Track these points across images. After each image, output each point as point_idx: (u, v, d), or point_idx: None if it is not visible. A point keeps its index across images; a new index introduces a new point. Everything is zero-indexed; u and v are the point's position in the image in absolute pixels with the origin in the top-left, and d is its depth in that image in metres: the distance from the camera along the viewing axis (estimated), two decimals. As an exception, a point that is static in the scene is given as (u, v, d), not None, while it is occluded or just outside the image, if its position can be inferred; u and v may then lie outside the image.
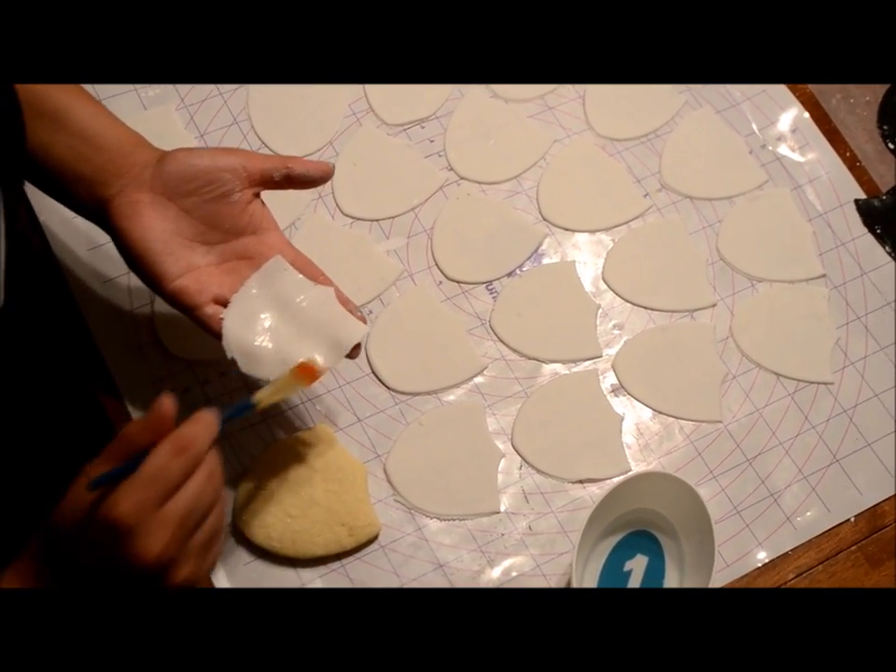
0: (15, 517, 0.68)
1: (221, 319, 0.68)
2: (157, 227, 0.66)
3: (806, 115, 0.93)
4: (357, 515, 0.75)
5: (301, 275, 0.70)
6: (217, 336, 0.68)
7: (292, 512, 0.74)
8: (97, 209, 0.68)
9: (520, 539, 0.77)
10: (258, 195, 0.70)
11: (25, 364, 0.68)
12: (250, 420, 0.77)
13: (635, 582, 0.76)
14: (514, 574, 0.76)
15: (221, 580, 0.73)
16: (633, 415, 0.81)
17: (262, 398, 0.65)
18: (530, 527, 0.77)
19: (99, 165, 0.67)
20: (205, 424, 0.58)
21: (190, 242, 0.68)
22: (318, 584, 0.74)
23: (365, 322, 0.71)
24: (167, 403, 0.57)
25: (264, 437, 0.77)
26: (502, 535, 0.77)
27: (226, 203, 0.68)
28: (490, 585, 0.75)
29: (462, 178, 0.88)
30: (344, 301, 0.71)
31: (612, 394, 0.82)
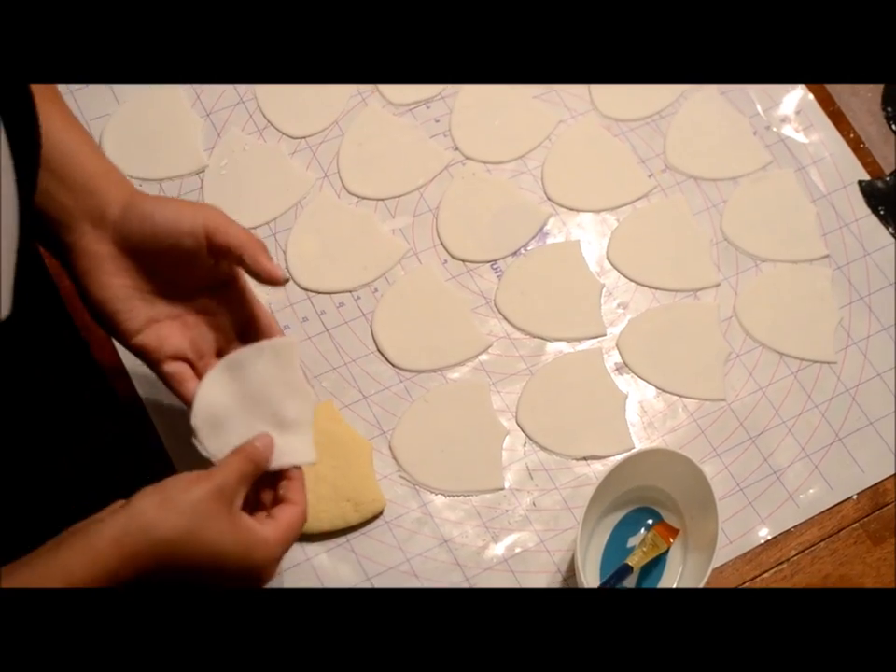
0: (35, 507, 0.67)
1: (180, 380, 0.65)
2: (115, 284, 0.63)
3: (811, 97, 0.92)
4: (362, 491, 0.74)
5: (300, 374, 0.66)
6: (176, 394, 0.66)
7: None
8: (61, 252, 0.64)
9: (524, 515, 0.76)
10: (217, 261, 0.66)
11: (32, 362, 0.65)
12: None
13: (638, 559, 0.75)
14: (518, 550, 0.75)
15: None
16: (637, 393, 0.81)
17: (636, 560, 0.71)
18: (534, 504, 0.76)
19: (61, 204, 0.62)
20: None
21: (150, 296, 0.65)
22: (324, 559, 0.73)
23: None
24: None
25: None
26: (506, 511, 0.76)
27: (188, 264, 0.65)
28: (494, 561, 0.74)
29: (467, 158, 0.87)
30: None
31: (616, 372, 0.81)
